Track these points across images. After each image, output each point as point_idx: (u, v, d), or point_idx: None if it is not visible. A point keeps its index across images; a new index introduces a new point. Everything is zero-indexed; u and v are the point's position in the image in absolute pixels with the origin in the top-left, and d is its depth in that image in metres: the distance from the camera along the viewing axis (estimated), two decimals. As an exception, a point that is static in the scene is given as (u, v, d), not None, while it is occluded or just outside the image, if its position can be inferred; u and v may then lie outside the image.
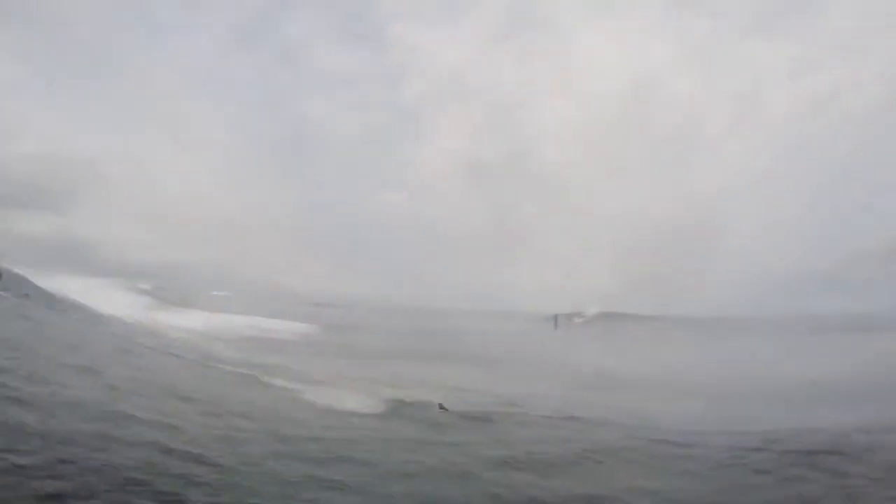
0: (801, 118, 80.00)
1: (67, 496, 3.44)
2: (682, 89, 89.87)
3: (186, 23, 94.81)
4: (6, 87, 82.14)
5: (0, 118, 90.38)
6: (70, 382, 6.37)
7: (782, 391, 10.39)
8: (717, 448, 5.75)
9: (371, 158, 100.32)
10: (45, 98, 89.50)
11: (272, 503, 4.00)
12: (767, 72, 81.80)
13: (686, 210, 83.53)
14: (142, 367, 9.27)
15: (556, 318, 36.55)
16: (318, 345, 18.83)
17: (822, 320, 28.29)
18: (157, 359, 11.13)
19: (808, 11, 77.64)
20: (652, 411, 10.12)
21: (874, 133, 75.85)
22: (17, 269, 16.88)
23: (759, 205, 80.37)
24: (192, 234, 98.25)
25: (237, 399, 7.96)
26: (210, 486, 3.99)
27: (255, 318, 24.13)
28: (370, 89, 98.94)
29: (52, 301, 15.74)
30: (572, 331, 34.33)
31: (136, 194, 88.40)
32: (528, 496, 4.51)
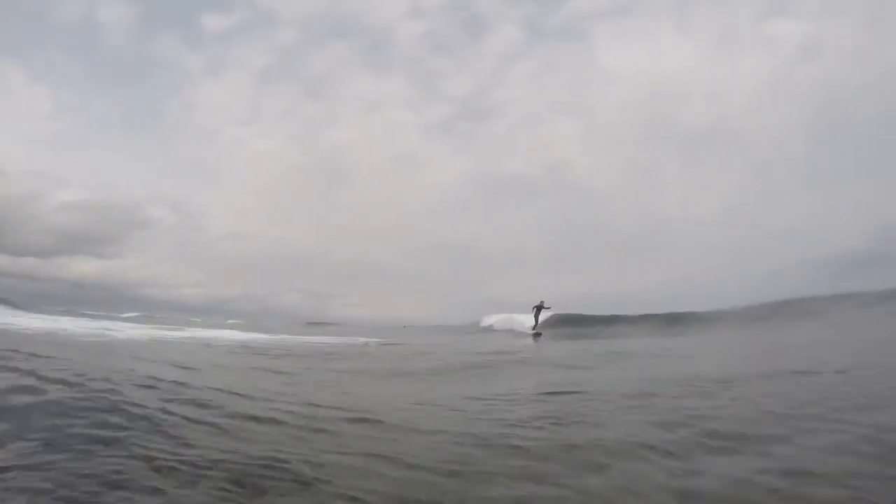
0: (821, 94, 77.21)
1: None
2: (707, 82, 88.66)
3: (216, 66, 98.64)
4: (48, 141, 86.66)
5: (45, 170, 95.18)
6: None
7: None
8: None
9: (401, 183, 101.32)
10: (86, 147, 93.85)
11: None
12: (791, 50, 79.14)
13: (720, 203, 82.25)
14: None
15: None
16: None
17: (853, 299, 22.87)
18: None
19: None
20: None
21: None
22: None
23: (792, 189, 77.36)
24: (234, 269, 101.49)
25: None
26: None
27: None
28: (396, 115, 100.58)
29: None
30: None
31: (180, 234, 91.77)
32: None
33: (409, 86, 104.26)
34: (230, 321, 72.05)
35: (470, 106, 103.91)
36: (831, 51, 76.24)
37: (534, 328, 27.00)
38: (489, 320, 36.99)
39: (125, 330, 19.79)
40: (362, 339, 21.65)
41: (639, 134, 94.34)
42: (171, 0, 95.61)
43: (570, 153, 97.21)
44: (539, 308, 27.01)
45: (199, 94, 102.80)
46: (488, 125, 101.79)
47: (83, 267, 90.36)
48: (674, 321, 27.36)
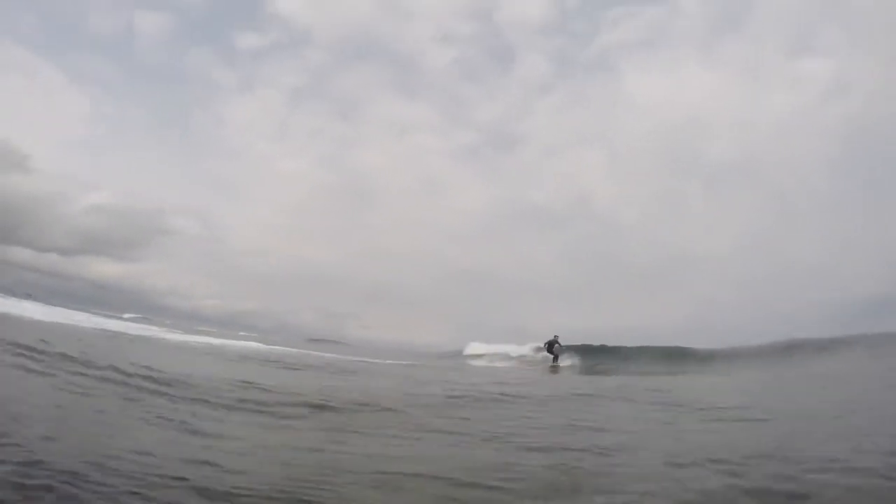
0: (849, 130, 76.03)
1: None
2: (732, 115, 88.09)
3: (248, 83, 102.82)
4: (81, 144, 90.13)
5: (75, 172, 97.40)
6: None
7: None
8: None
9: (425, 207, 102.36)
10: (117, 152, 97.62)
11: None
12: (819, 86, 78.23)
13: (743, 237, 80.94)
14: None
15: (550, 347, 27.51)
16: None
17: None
18: None
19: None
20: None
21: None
22: None
23: (819, 226, 74.85)
24: (254, 284, 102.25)
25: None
26: None
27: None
28: (423, 139, 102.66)
29: None
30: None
31: (202, 246, 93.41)
32: None
33: (437, 111, 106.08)
34: (241, 333, 72.75)
35: (497, 134, 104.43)
36: (861, 87, 75.39)
37: (554, 359, 26.68)
38: (473, 349, 32.48)
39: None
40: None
41: (664, 166, 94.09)
42: (207, 16, 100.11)
43: (595, 184, 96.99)
44: (552, 343, 27.13)
45: (229, 110, 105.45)
46: (514, 153, 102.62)
47: (104, 268, 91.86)
48: (695, 357, 26.89)
